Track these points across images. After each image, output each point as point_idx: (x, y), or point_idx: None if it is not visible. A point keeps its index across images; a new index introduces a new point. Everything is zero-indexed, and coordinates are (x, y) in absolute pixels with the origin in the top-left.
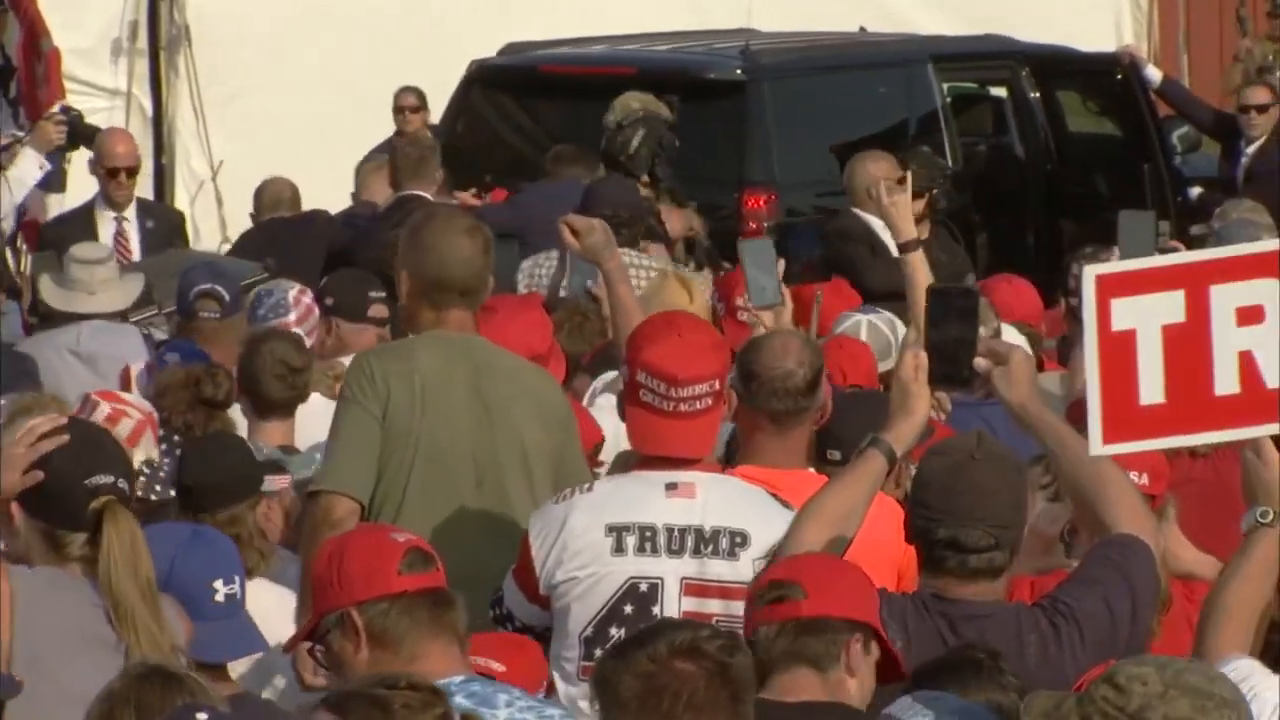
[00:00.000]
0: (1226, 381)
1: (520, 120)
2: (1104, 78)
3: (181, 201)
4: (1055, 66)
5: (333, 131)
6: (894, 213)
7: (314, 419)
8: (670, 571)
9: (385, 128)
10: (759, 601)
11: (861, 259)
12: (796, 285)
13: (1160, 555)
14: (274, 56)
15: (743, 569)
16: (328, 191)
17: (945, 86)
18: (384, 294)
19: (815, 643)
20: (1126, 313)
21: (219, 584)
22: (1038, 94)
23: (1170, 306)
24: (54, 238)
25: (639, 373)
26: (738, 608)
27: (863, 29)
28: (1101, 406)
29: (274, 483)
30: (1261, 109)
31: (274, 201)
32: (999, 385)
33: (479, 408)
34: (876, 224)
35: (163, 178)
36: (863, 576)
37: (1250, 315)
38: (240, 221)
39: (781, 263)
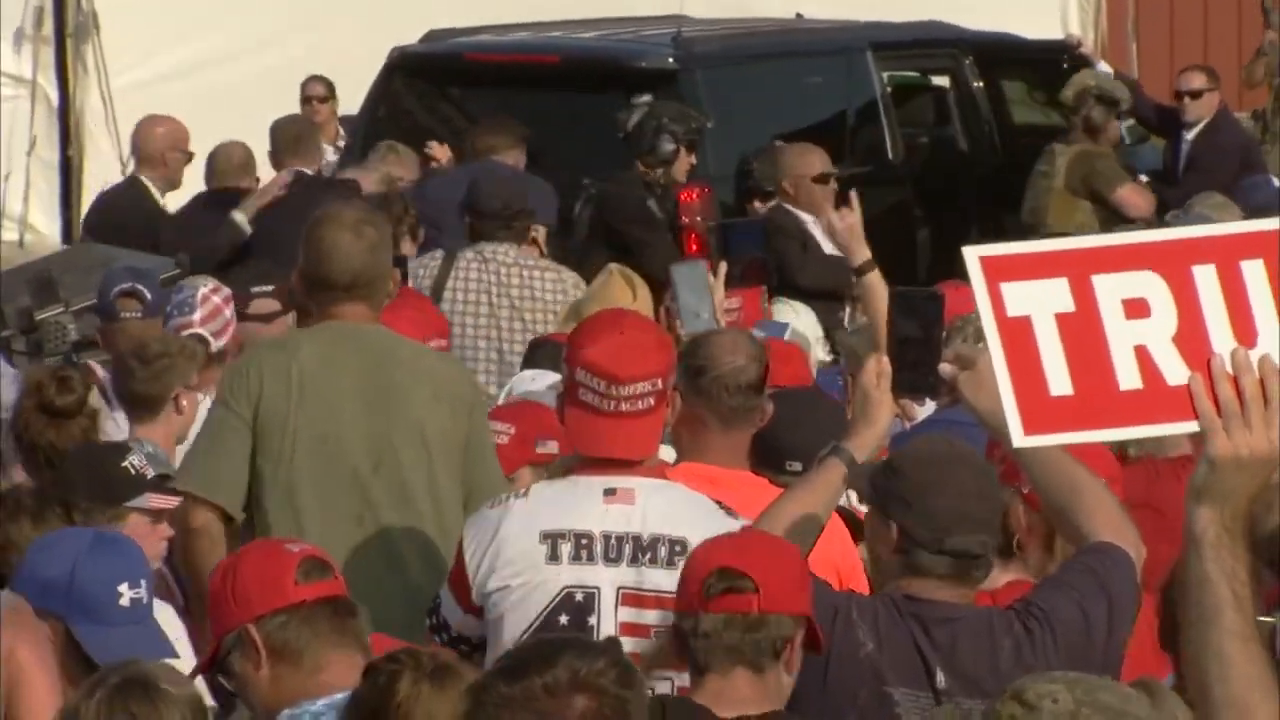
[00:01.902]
0: (1129, 376)
1: (442, 108)
2: (1051, 67)
3: (90, 193)
4: (1000, 55)
5: (247, 120)
6: (847, 236)
7: None
8: (607, 581)
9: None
10: (707, 590)
11: (792, 255)
12: (738, 287)
13: None
14: (185, 43)
15: None
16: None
17: (885, 75)
18: (269, 288)
19: (761, 641)
20: (1018, 298)
21: (124, 588)
22: (982, 84)
23: (1058, 294)
24: None
25: (578, 371)
26: None
27: (799, 15)
28: (1015, 397)
29: (150, 501)
30: (1196, 95)
31: (226, 169)
32: (965, 391)
33: (371, 393)
34: (807, 219)
35: (70, 169)
36: (801, 562)
37: (1136, 308)
38: None
39: (723, 268)
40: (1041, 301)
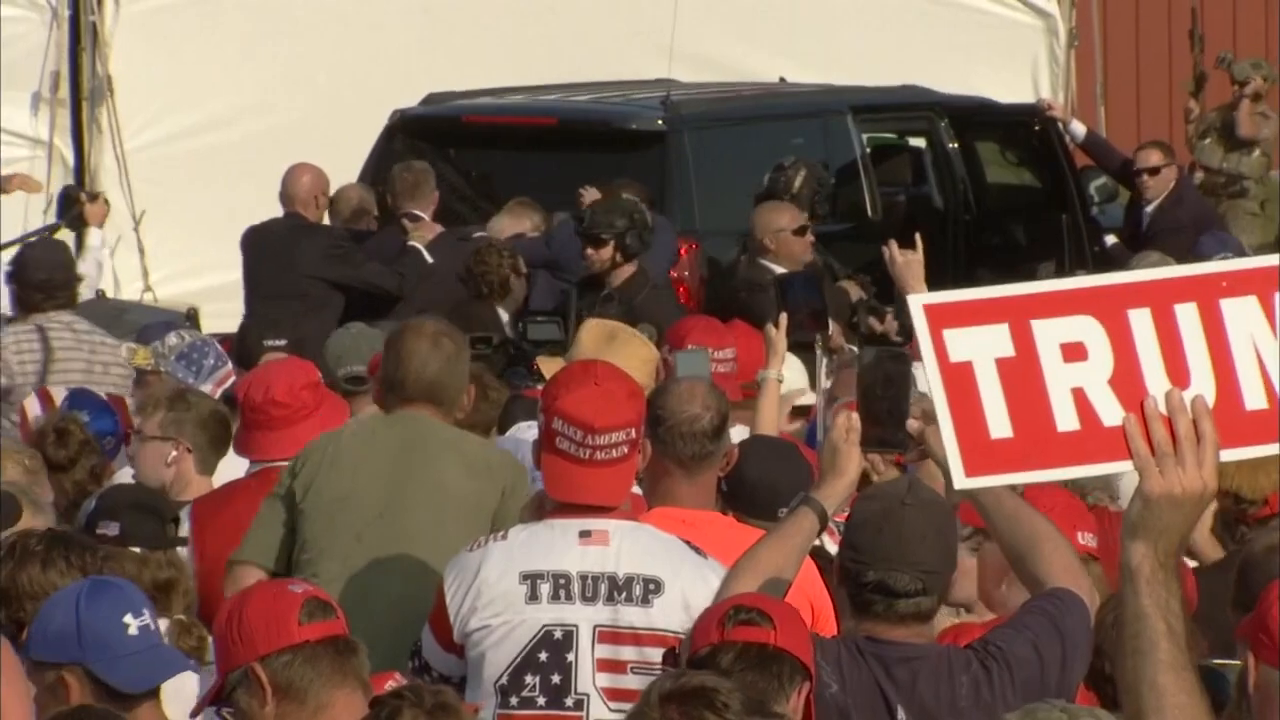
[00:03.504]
0: (1066, 419)
1: (442, 169)
2: (1022, 129)
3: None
4: (974, 118)
5: (256, 181)
6: (906, 272)
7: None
8: (584, 619)
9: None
10: (726, 622)
11: (766, 309)
12: (800, 337)
13: None
14: (194, 106)
15: (656, 616)
16: None
17: (865, 137)
18: (282, 340)
19: (770, 677)
20: (960, 344)
21: (129, 618)
22: (956, 145)
23: (998, 340)
24: None
25: (555, 420)
26: (652, 654)
27: (782, 79)
28: (957, 440)
29: None
30: (1153, 171)
31: (344, 210)
32: (933, 445)
33: (403, 460)
34: (781, 273)
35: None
36: (806, 624)
37: (1074, 352)
38: (161, 270)
39: (783, 319)
40: (983, 347)
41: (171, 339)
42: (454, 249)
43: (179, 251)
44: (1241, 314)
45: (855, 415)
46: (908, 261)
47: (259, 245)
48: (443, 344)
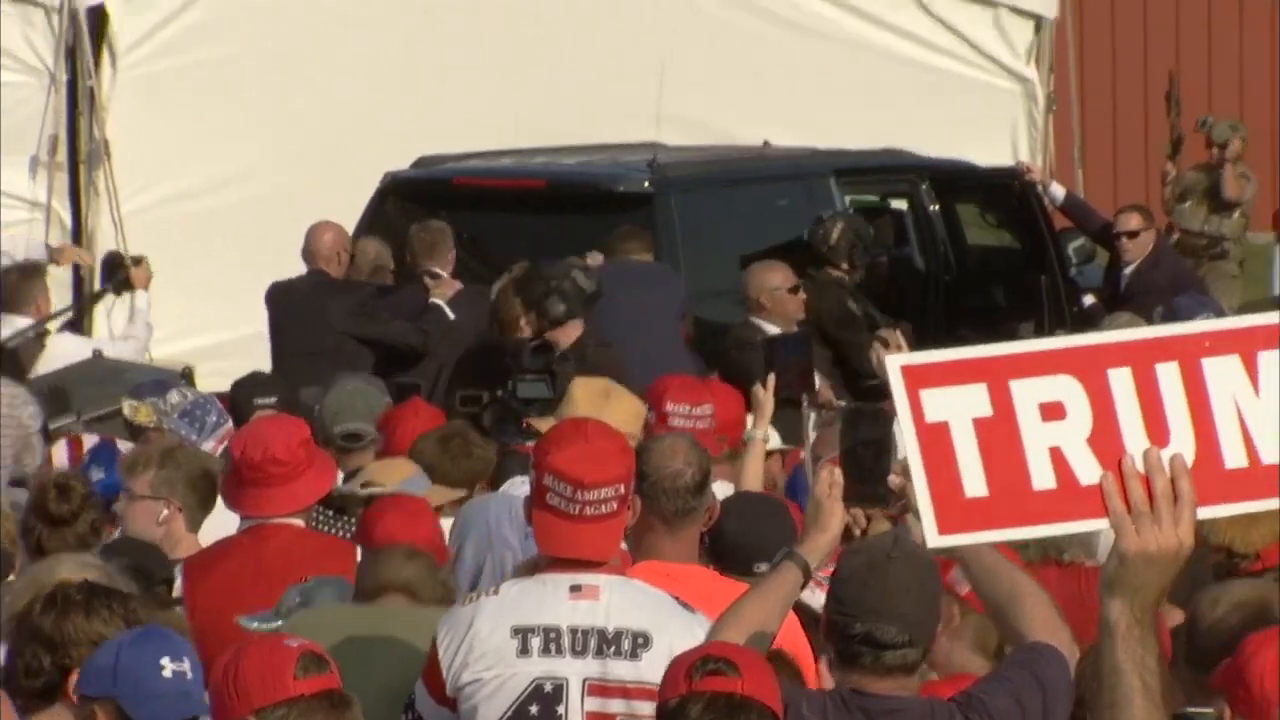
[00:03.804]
0: (1043, 477)
1: None
2: (1002, 191)
3: (99, 312)
4: (954, 180)
5: (250, 243)
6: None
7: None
8: (574, 673)
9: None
10: (695, 672)
11: (755, 367)
12: (789, 395)
13: None
14: (190, 170)
15: (644, 669)
16: (259, 301)
17: (847, 199)
18: (273, 398)
19: None
20: (937, 404)
21: (166, 660)
22: (937, 207)
23: (976, 400)
24: None
25: (546, 476)
26: (640, 707)
27: (767, 143)
28: (931, 499)
29: None
30: (1132, 235)
31: (363, 264)
32: (914, 500)
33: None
34: (774, 331)
35: (81, 289)
36: (778, 676)
37: (1053, 411)
38: (158, 330)
39: (771, 379)
40: (960, 407)
41: (174, 396)
42: (475, 304)
43: (175, 312)
44: (1224, 373)
45: (838, 471)
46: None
47: (285, 302)
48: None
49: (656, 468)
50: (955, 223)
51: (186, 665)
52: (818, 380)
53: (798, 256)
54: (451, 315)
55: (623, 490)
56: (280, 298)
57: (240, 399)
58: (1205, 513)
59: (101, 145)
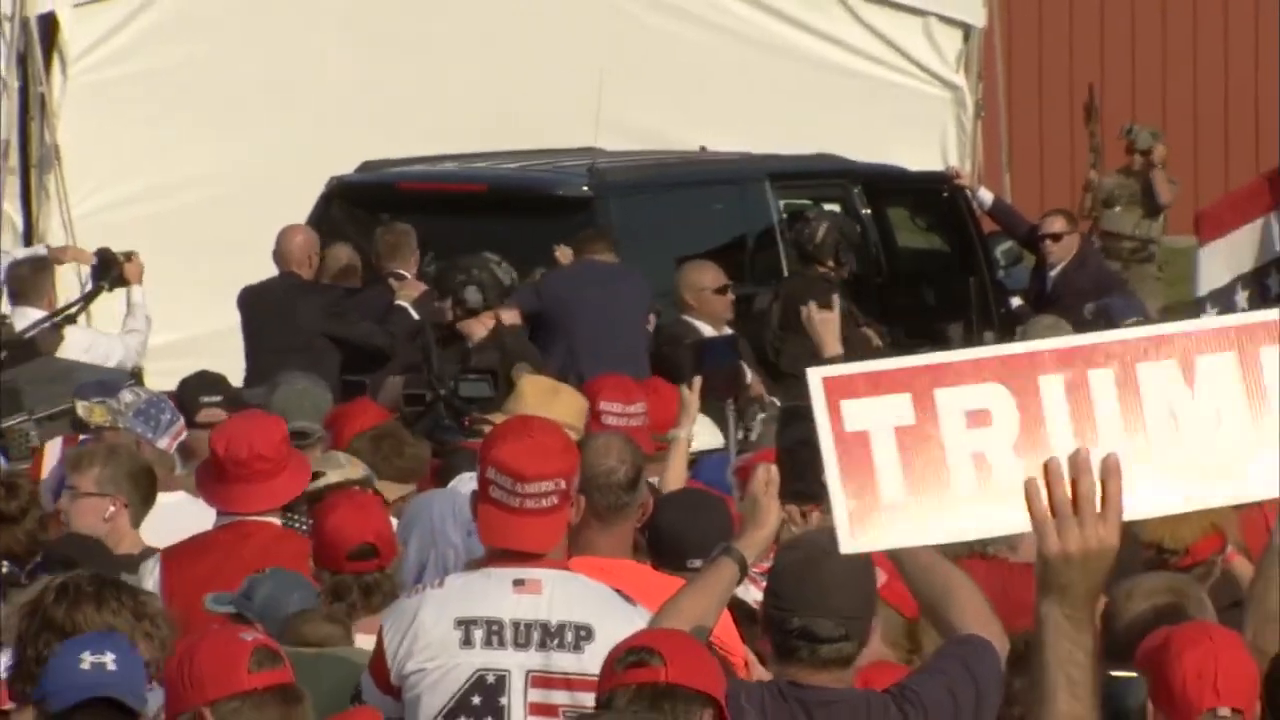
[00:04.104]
0: (965, 483)
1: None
2: (931, 196)
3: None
4: (885, 185)
5: (197, 247)
6: (822, 329)
7: (178, 515)
8: (516, 664)
9: (251, 246)
10: (617, 665)
11: (685, 363)
12: (715, 398)
13: None
14: (139, 174)
15: (587, 662)
16: (206, 303)
17: (781, 203)
18: (219, 397)
19: (669, 711)
20: (856, 414)
21: (86, 654)
22: (869, 211)
23: (899, 409)
24: None
25: (489, 469)
26: (584, 698)
27: (703, 148)
28: (846, 505)
29: None
30: (1056, 238)
31: (334, 268)
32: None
33: None
34: (706, 329)
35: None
36: (714, 657)
37: (978, 418)
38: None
39: (697, 381)
40: (881, 416)
41: (127, 396)
42: (438, 306)
43: (123, 313)
44: (1161, 377)
45: (774, 468)
46: (824, 319)
47: (257, 303)
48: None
49: (590, 465)
50: (886, 226)
51: (109, 657)
52: (749, 376)
53: (735, 258)
54: (416, 316)
55: (563, 485)
56: (252, 299)
57: (187, 398)
58: (1134, 513)
59: (52, 150)
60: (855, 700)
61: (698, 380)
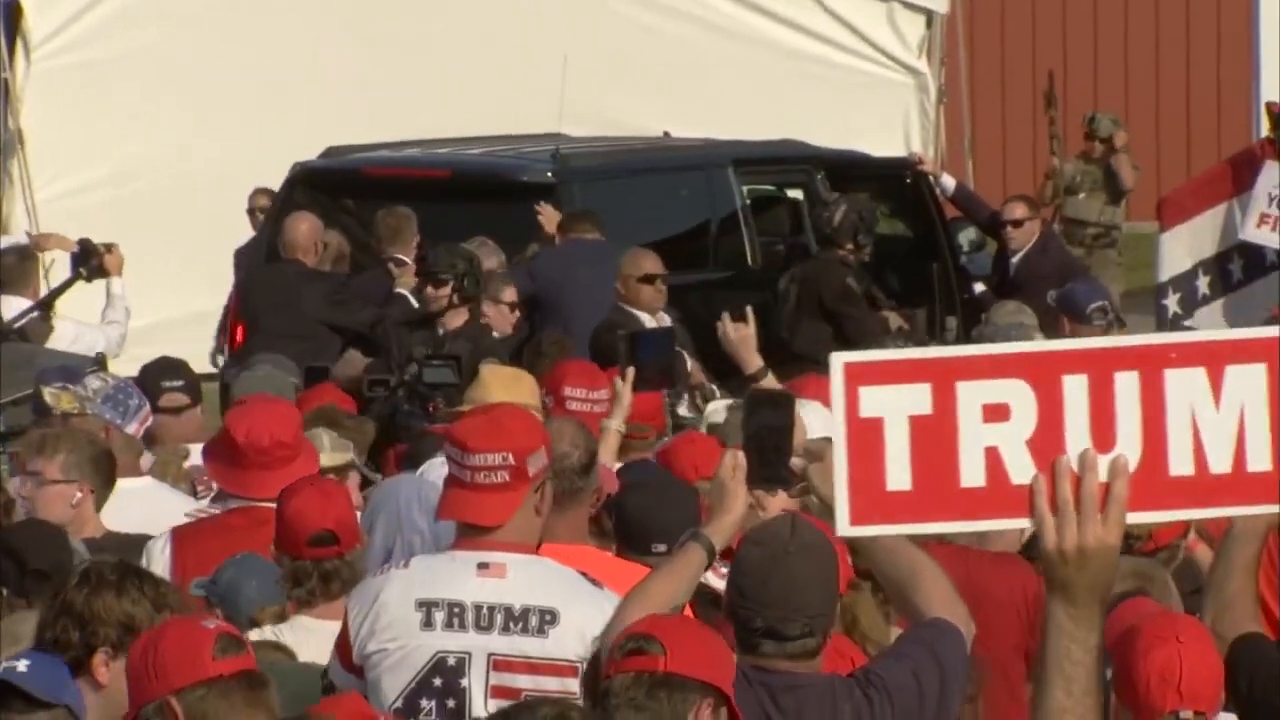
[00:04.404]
0: (973, 474)
1: (342, 219)
2: (894, 181)
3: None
4: (849, 170)
5: (160, 232)
6: (739, 346)
7: (144, 501)
8: (478, 647)
9: (214, 232)
10: (617, 653)
11: (622, 351)
12: (643, 391)
13: None
14: (101, 158)
15: (552, 646)
16: (168, 289)
17: (745, 189)
18: (180, 382)
19: (665, 700)
20: (874, 400)
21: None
22: (832, 196)
23: (917, 398)
24: None
25: (446, 444)
26: (547, 683)
27: (667, 134)
28: (849, 489)
29: None
30: (1017, 224)
31: (331, 257)
32: (815, 481)
33: None
34: (645, 318)
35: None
36: (721, 643)
37: (996, 413)
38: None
39: (630, 373)
40: (897, 404)
41: (94, 382)
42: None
43: (84, 299)
44: (1186, 384)
45: (741, 454)
46: (741, 336)
47: (261, 288)
48: None
49: None
50: None
51: (22, 660)
52: (690, 364)
53: (698, 244)
54: (415, 303)
55: (512, 460)
56: (255, 284)
57: (148, 383)
58: (1141, 518)
59: (15, 135)
60: (821, 685)
61: (630, 371)
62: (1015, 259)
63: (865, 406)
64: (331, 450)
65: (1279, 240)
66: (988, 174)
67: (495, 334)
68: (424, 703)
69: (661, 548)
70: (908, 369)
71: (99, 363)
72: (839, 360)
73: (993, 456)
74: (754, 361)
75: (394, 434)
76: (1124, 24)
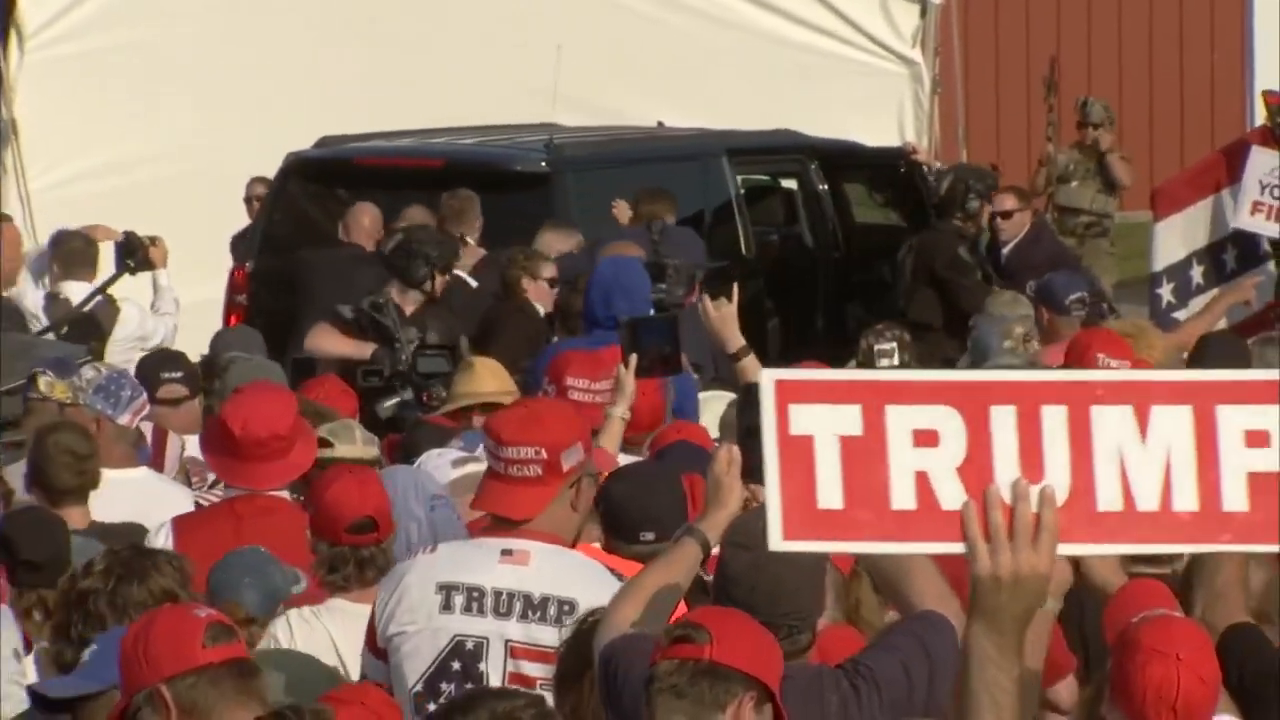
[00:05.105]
0: (904, 497)
1: (335, 210)
2: (888, 171)
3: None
4: (842, 160)
5: (154, 222)
6: (720, 324)
7: (139, 493)
8: (495, 633)
9: (207, 216)
10: (664, 639)
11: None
12: (645, 378)
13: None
14: (97, 151)
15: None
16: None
17: (739, 179)
18: (180, 373)
19: (707, 689)
20: (804, 419)
21: None
22: (826, 186)
23: (848, 419)
24: None
25: (484, 436)
26: None
27: (661, 124)
28: (781, 505)
29: None
30: (1007, 215)
31: (357, 230)
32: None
33: None
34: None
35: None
36: (771, 640)
37: (926, 438)
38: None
39: (633, 360)
40: (827, 424)
41: (88, 372)
42: (496, 271)
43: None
44: (1112, 421)
45: (736, 448)
46: (722, 315)
47: (316, 270)
48: None
49: None
50: (843, 201)
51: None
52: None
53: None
54: (473, 284)
55: (545, 455)
56: (309, 266)
57: (147, 374)
58: (1069, 549)
59: (9, 125)
60: (806, 676)
61: (634, 359)
62: (1006, 250)
63: (795, 424)
64: (363, 444)
65: (1276, 229)
66: (981, 163)
67: (540, 310)
68: (444, 686)
69: (649, 536)
70: (839, 390)
71: (92, 353)
72: (769, 378)
73: (923, 481)
74: (735, 340)
75: (388, 424)
76: (1118, 12)
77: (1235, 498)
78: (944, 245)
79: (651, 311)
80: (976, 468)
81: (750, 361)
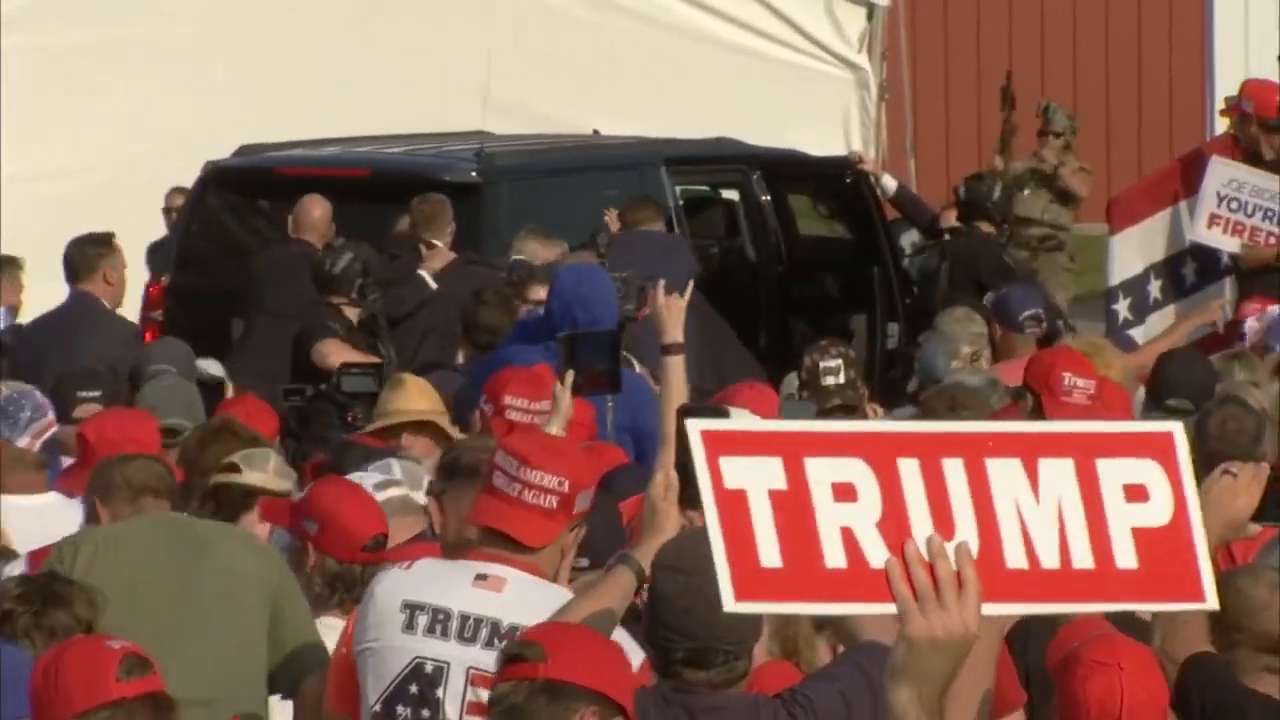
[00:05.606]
0: (834, 555)
1: (254, 221)
2: (834, 181)
3: None
4: (786, 170)
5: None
6: (665, 314)
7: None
8: (457, 658)
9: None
10: (500, 661)
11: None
12: (582, 395)
13: None
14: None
15: None
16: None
17: (678, 189)
18: (98, 391)
19: (544, 706)
20: (735, 471)
21: None
22: (769, 197)
23: (772, 472)
24: None
25: (498, 455)
26: None
27: (596, 132)
28: (728, 564)
29: None
30: (956, 232)
31: (306, 224)
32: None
33: (180, 543)
34: None
35: None
36: (614, 651)
37: (844, 492)
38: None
39: (569, 376)
40: (756, 477)
41: None
42: (462, 274)
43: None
44: (1006, 475)
45: (674, 474)
46: (669, 304)
47: (268, 266)
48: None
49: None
50: (787, 213)
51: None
52: (638, 368)
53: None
54: (434, 286)
55: (566, 489)
56: (263, 262)
57: (64, 393)
58: (987, 609)
59: None
60: (744, 705)
61: (569, 375)
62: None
63: (728, 478)
64: (274, 474)
65: (1234, 244)
66: (930, 173)
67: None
68: (400, 709)
69: (584, 563)
70: (760, 441)
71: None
72: (695, 428)
73: (849, 537)
74: (675, 335)
75: (311, 445)
76: (1073, 16)
77: (1125, 555)
78: (986, 252)
79: (615, 324)
80: (894, 524)
81: (675, 361)
